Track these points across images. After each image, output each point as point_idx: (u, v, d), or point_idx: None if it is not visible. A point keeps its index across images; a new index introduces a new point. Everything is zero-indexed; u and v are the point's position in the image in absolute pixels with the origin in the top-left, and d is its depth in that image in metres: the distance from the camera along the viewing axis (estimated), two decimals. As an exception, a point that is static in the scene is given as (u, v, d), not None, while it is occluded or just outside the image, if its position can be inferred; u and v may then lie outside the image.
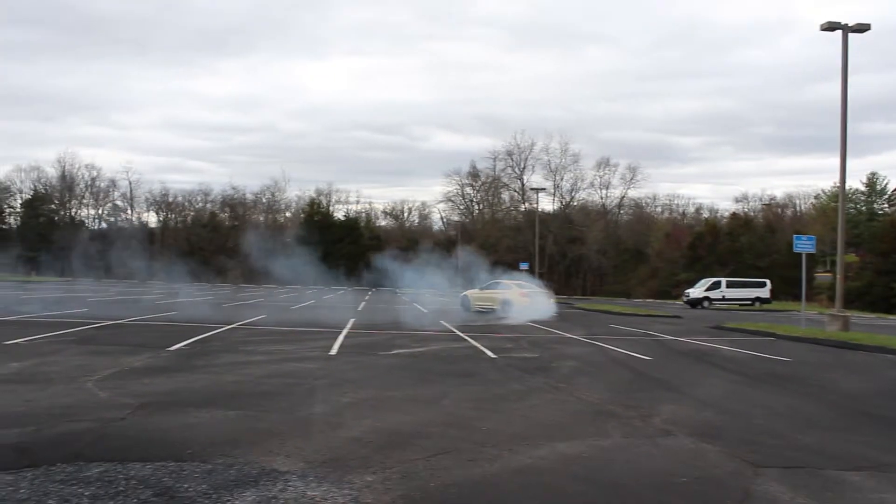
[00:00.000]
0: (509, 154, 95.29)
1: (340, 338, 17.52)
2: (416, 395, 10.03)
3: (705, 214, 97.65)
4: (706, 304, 51.90)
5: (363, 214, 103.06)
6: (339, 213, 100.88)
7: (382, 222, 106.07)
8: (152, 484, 5.59)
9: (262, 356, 13.60)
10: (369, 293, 58.60)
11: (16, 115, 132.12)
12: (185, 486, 5.57)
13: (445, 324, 24.11)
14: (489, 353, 15.45)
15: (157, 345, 14.64)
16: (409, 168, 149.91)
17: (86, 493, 5.32)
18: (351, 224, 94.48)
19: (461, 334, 20.02)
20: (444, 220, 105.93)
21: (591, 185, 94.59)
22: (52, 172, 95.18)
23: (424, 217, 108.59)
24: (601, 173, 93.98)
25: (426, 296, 58.29)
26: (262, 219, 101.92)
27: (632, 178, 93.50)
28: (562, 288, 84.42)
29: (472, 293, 34.46)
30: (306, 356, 13.81)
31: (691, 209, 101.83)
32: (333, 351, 14.82)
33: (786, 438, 8.07)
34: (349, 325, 21.55)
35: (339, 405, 8.99)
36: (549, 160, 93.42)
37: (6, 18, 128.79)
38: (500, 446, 7.18)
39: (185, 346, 14.70)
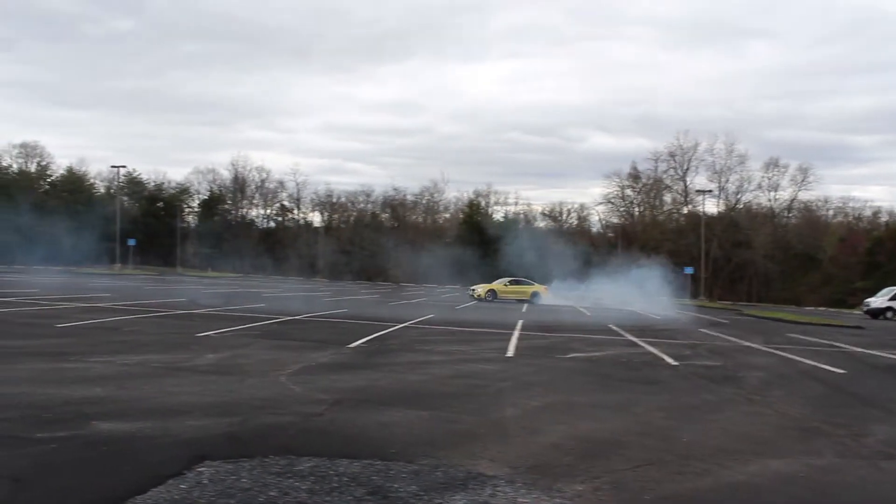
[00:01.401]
0: (671, 155, 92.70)
1: (513, 339, 17.44)
2: (603, 401, 9.77)
3: (884, 218, 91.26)
4: (889, 314, 48.21)
5: (521, 216, 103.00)
6: (497, 215, 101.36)
7: (541, 224, 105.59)
8: (363, 482, 5.63)
9: (441, 356, 13.70)
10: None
11: (193, 121, 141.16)
12: (395, 485, 5.57)
13: (614, 327, 23.61)
14: (669, 360, 14.93)
15: (338, 341, 15.04)
16: (564, 170, 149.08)
17: (302, 488, 5.41)
18: (510, 225, 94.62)
19: (635, 339, 19.52)
20: (603, 221, 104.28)
21: (759, 186, 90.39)
22: (225, 175, 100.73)
23: (583, 219, 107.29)
24: (769, 174, 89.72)
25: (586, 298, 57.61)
26: (420, 220, 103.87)
27: (803, 180, 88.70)
28: (725, 294, 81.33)
29: (498, 287, 44.43)
30: (484, 357, 13.79)
31: (868, 212, 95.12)
32: (510, 353, 14.74)
33: None
34: (518, 327, 21.46)
35: (529, 409, 8.86)
36: (713, 161, 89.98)
37: (185, 33, 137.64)
38: (706, 460, 6.83)
39: (363, 343, 15.03)
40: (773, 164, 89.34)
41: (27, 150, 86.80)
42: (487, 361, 13.24)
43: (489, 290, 43.57)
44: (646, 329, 24.37)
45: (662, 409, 9.38)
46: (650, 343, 18.46)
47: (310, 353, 12.91)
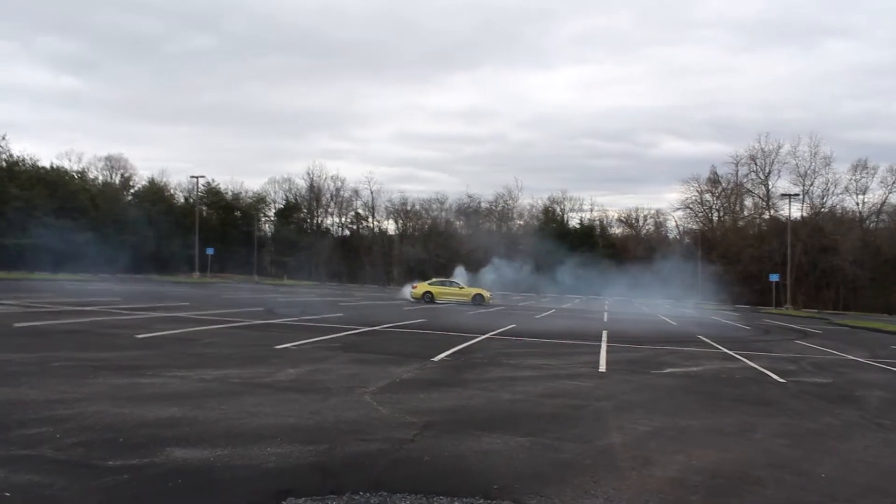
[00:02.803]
0: (752, 158, 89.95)
1: (603, 352, 16.55)
2: (717, 425, 8.86)
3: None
4: None
5: (597, 222, 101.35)
6: (573, 221, 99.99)
7: (617, 230, 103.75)
8: (468, 525, 4.95)
9: (530, 371, 12.93)
10: (606, 302, 57.11)
11: (270, 132, 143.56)
12: (504, 531, 4.87)
13: (705, 339, 22.48)
14: (774, 377, 13.87)
15: (421, 354, 14.40)
16: (637, 175, 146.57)
17: (399, 532, 4.76)
18: (586, 232, 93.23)
19: (730, 352, 18.43)
20: (680, 227, 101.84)
21: (846, 189, 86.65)
22: (301, 184, 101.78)
23: (660, 225, 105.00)
24: (857, 177, 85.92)
25: (664, 306, 56.02)
26: (494, 227, 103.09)
27: (894, 182, 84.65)
28: (811, 301, 78.33)
29: (435, 289, 43.36)
30: (576, 373, 12.96)
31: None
32: (602, 368, 13.87)
33: None
34: (605, 338, 20.53)
35: (637, 435, 8.03)
36: (797, 164, 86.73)
37: (260, 48, 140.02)
38: (855, 501, 5.94)
39: (447, 356, 14.35)
40: (861, 166, 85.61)
41: (112, 162, 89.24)
42: (580, 377, 12.41)
43: (426, 292, 42.61)
44: (737, 341, 23.15)
45: (785, 436, 8.44)
46: (747, 357, 17.36)
47: (393, 367, 12.28)
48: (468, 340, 17.73)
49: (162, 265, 74.15)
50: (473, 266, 63.75)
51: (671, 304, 60.44)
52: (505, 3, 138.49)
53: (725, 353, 18.30)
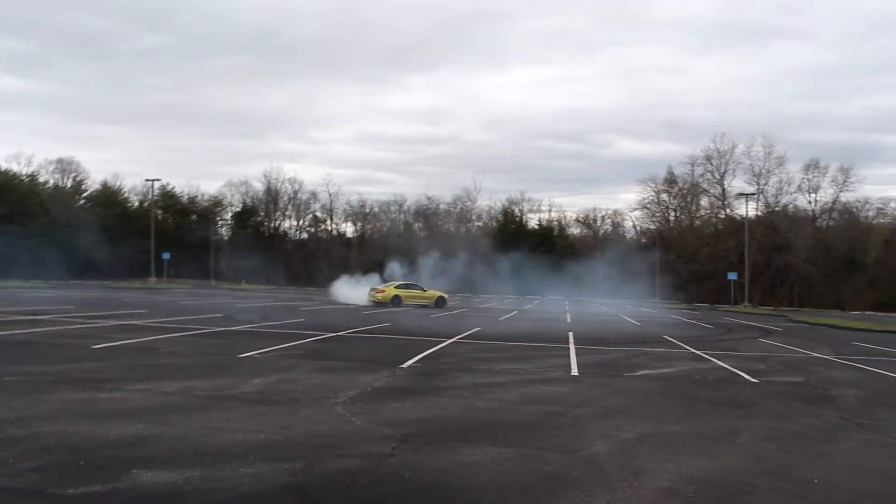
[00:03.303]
0: (708, 158, 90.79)
1: (573, 355, 16.33)
2: (700, 430, 8.64)
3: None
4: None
5: (555, 223, 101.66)
6: (532, 222, 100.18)
7: (575, 231, 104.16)
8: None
9: (502, 376, 12.64)
10: (566, 303, 57.16)
11: (225, 134, 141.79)
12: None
13: (671, 339, 22.45)
14: (746, 377, 13.77)
15: (388, 361, 14.04)
16: (593, 176, 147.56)
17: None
18: (545, 233, 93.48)
19: (698, 352, 18.38)
20: (637, 227, 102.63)
21: (799, 188, 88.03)
22: (258, 187, 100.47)
23: (617, 225, 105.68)
24: (809, 176, 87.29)
25: (625, 306, 56.26)
26: (452, 229, 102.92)
27: (844, 181, 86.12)
28: (766, 299, 79.31)
29: (402, 292, 41.12)
30: (549, 377, 12.70)
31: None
32: (574, 371, 13.63)
33: None
34: (572, 340, 20.35)
35: (621, 442, 7.77)
36: (751, 164, 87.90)
37: (214, 48, 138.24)
38: (855, 509, 5.75)
39: (416, 363, 14.00)
40: (813, 166, 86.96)
41: (63, 165, 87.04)
42: (554, 382, 12.15)
43: (394, 296, 40.23)
44: (701, 340, 23.16)
45: (770, 439, 8.26)
46: (716, 357, 17.30)
47: (362, 375, 11.90)
48: (435, 345, 17.40)
49: (116, 271, 72.56)
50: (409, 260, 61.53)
51: (631, 304, 60.76)
52: (459, 3, 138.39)
53: (694, 353, 18.22)
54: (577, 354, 16.48)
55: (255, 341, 16.70)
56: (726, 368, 15.04)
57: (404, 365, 13.56)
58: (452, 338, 19.70)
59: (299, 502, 5.36)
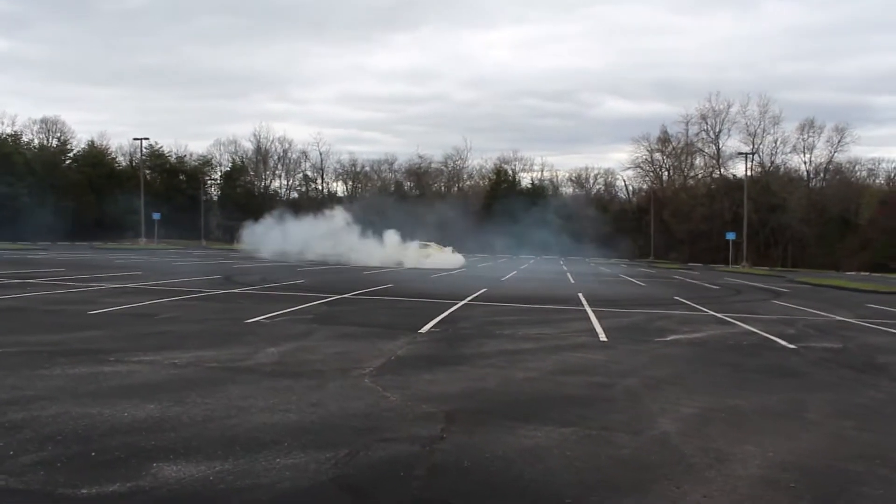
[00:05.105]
0: (703, 117, 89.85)
1: (593, 318, 15.59)
2: (763, 404, 7.86)
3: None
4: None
5: (548, 182, 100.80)
6: (524, 181, 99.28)
7: (568, 190, 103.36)
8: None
9: (529, 342, 11.87)
10: (562, 262, 56.52)
11: (212, 94, 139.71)
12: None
13: (684, 300, 21.80)
14: (782, 342, 13.05)
15: (404, 325, 13.27)
16: (581, 135, 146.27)
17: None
18: (537, 192, 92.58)
19: (718, 314, 17.72)
20: (630, 187, 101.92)
21: (794, 148, 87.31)
22: (248, 146, 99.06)
23: (609, 184, 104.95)
24: (804, 136, 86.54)
25: (620, 265, 55.71)
26: (443, 188, 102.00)
27: (839, 141, 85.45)
28: (760, 259, 78.88)
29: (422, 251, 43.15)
30: (578, 343, 11.94)
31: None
32: (602, 337, 12.85)
33: None
34: (584, 302, 19.64)
35: (687, 419, 7.01)
36: (746, 123, 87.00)
37: (203, 8, 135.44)
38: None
39: (434, 328, 13.22)
40: (808, 125, 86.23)
41: (48, 125, 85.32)
42: (585, 349, 11.40)
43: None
44: (714, 301, 22.51)
45: (841, 415, 7.51)
46: (739, 320, 16.62)
47: (382, 342, 11.12)
48: (448, 308, 16.64)
49: (105, 231, 71.40)
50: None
51: (626, 263, 60.22)
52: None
53: (714, 315, 17.54)
54: (597, 318, 15.73)
55: (260, 305, 15.92)
56: (757, 333, 14.33)
57: (422, 330, 12.80)
58: (463, 300, 18.94)
59: (352, 502, 4.57)
